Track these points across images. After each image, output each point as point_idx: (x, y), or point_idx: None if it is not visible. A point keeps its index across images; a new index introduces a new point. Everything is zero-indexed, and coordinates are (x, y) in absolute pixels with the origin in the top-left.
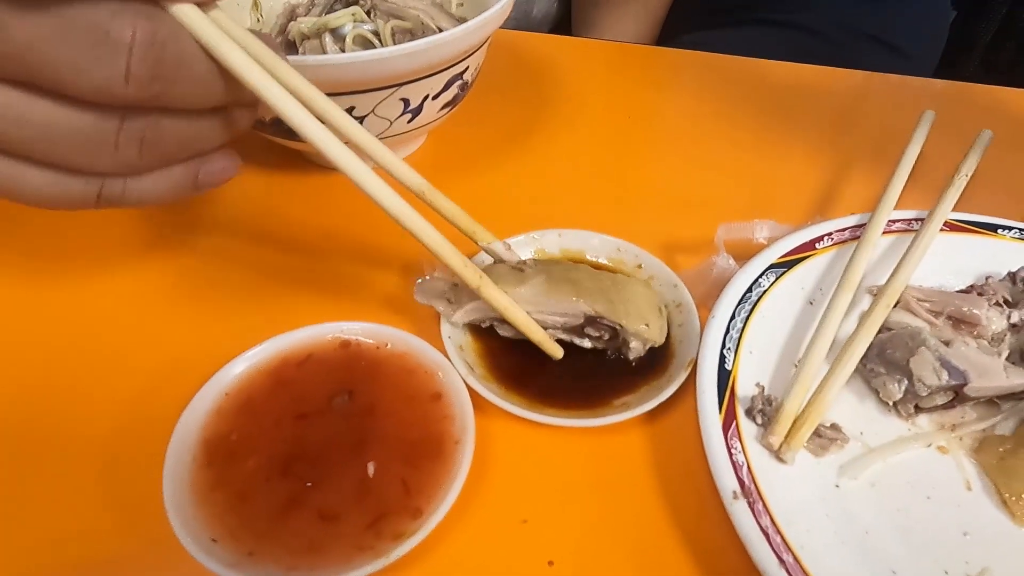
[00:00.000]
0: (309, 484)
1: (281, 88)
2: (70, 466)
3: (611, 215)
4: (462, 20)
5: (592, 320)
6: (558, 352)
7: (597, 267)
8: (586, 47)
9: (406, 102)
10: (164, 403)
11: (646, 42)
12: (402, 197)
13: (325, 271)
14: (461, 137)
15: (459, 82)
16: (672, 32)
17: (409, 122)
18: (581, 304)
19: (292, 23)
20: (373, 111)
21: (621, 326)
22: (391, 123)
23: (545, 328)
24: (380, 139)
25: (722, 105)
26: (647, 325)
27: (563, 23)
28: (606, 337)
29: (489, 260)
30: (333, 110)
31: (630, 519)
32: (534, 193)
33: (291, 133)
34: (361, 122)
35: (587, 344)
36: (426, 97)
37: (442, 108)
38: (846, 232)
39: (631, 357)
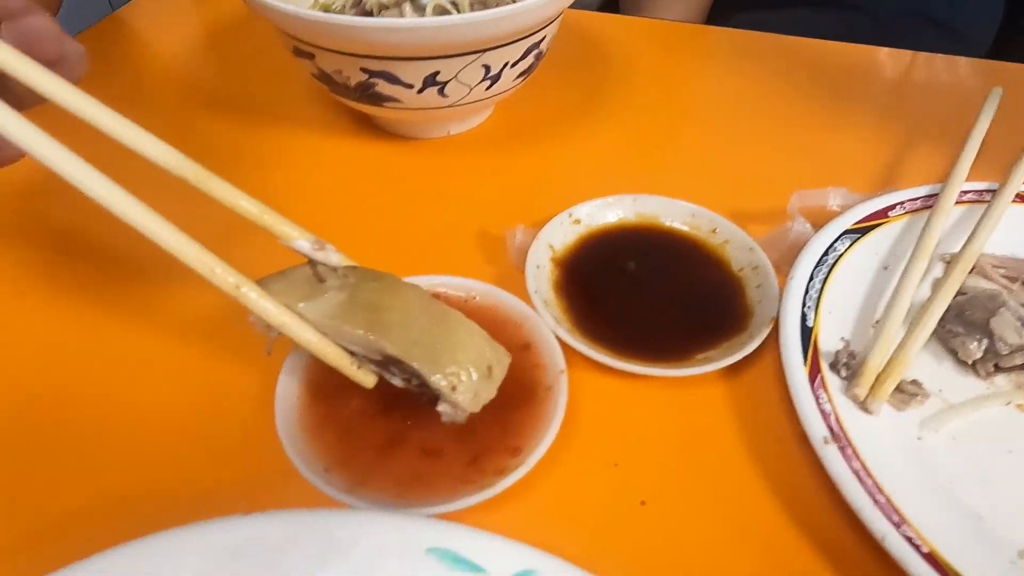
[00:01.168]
0: (409, 423)
1: None
2: (190, 403)
3: (683, 184)
4: None
5: (393, 360)
6: (367, 381)
7: (439, 297)
8: (641, 25)
9: (487, 68)
10: (266, 343)
11: (696, 22)
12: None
13: (410, 230)
14: (528, 109)
15: (536, 51)
16: (723, 11)
17: (487, 89)
18: (374, 339)
19: None
20: (456, 76)
21: (421, 376)
22: (471, 89)
23: (354, 355)
24: (459, 105)
25: (785, 85)
26: (454, 384)
27: (610, 5)
28: (415, 383)
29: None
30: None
31: (716, 464)
32: (603, 163)
33: (374, 98)
34: (443, 88)
35: (397, 382)
36: (505, 64)
37: (517, 77)
38: (918, 202)
39: (442, 419)
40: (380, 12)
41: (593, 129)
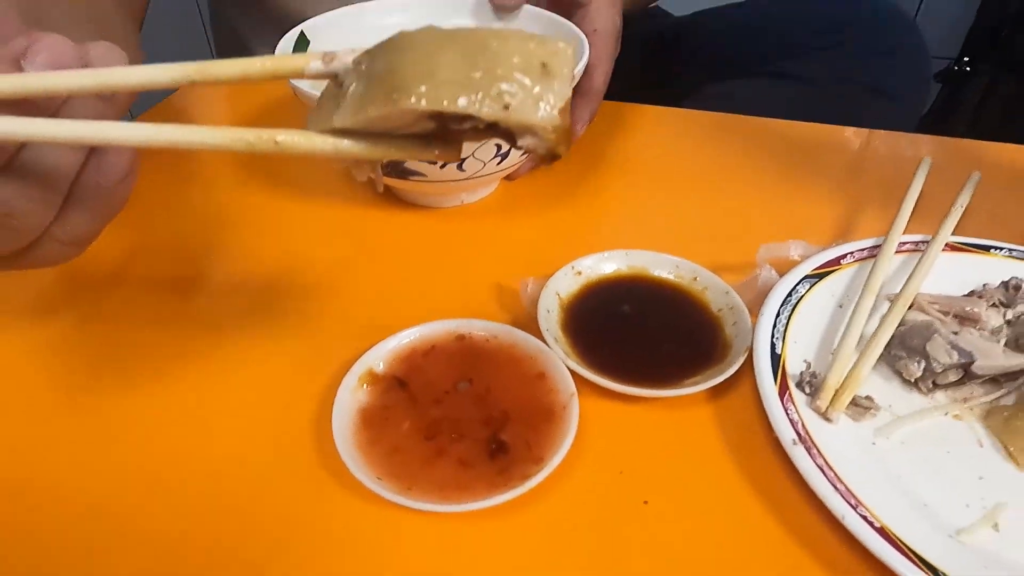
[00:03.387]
0: (451, 441)
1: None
2: (260, 439)
3: (668, 240)
4: None
5: (438, 115)
6: (452, 157)
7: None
8: (627, 109)
9: (498, 147)
10: (318, 379)
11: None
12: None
13: (433, 285)
14: (529, 180)
15: None
16: (697, 82)
17: (498, 164)
18: (399, 105)
19: None
20: (473, 154)
21: (471, 116)
22: (484, 164)
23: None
24: (474, 178)
25: (752, 156)
26: (507, 102)
27: None
28: (483, 127)
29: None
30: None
31: (705, 468)
32: (598, 223)
33: (402, 172)
34: (462, 164)
35: (473, 142)
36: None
37: (522, 154)
38: (865, 251)
39: (535, 151)
40: None
41: (588, 195)
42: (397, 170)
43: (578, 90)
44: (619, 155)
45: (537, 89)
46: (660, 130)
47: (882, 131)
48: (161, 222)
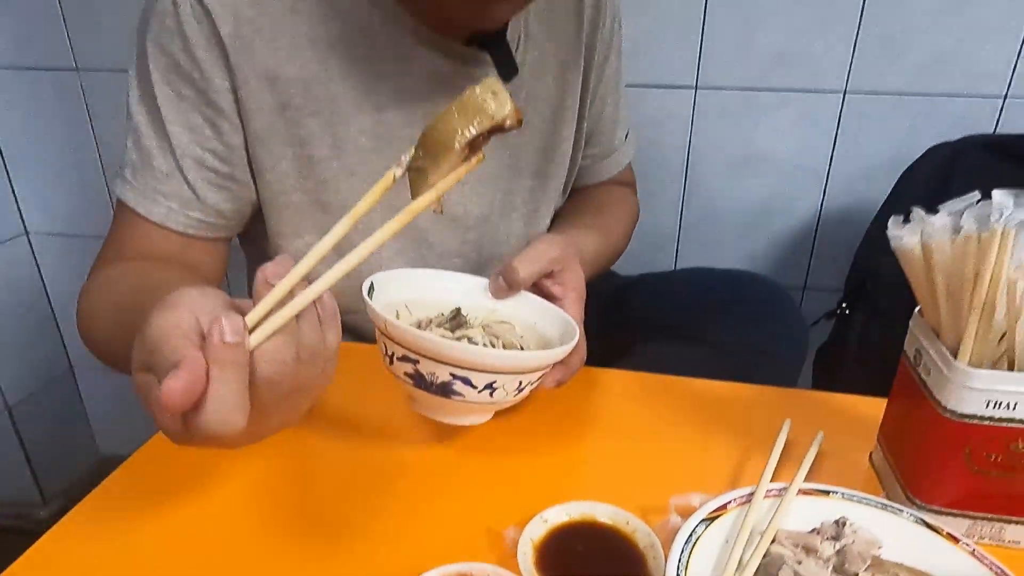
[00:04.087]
0: None
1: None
2: None
3: (609, 488)
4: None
5: (472, 139)
6: (478, 159)
7: None
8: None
9: (520, 383)
10: None
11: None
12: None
13: (434, 525)
14: (505, 431)
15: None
16: (626, 342)
17: (517, 394)
18: (455, 147)
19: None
20: (503, 385)
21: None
22: (507, 393)
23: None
24: (500, 403)
25: (669, 413)
26: (491, 114)
27: None
28: (486, 134)
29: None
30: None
31: None
32: (564, 471)
33: (448, 392)
34: (492, 392)
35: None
36: (527, 382)
37: (517, 393)
38: (744, 497)
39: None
40: (457, 328)
41: (555, 446)
42: (446, 390)
43: (563, 361)
44: (575, 412)
45: (495, 103)
46: (601, 389)
47: (767, 387)
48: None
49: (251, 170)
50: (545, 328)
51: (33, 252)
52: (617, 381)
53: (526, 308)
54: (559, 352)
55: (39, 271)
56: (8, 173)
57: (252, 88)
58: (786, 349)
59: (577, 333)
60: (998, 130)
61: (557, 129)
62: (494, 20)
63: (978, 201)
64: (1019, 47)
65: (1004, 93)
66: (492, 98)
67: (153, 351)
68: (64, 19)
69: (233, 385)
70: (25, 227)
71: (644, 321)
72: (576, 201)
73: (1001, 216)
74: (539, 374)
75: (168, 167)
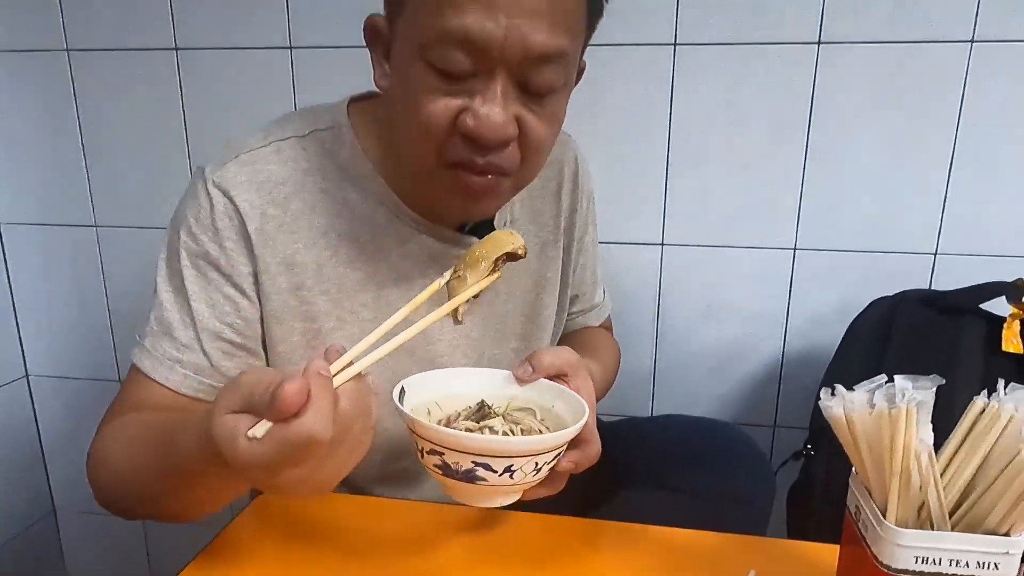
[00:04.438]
0: None
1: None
2: None
3: None
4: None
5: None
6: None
7: None
8: (554, 521)
9: (536, 463)
10: None
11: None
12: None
13: None
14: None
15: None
16: (607, 489)
17: (535, 475)
18: (491, 259)
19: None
20: (521, 467)
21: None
22: (525, 475)
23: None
24: (518, 484)
25: (642, 562)
26: (513, 245)
27: None
28: (503, 259)
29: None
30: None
31: None
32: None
33: (471, 478)
34: (512, 474)
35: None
36: (544, 463)
37: (536, 473)
38: None
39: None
40: (483, 419)
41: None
42: (468, 476)
43: (576, 442)
44: (552, 562)
45: (511, 238)
46: (583, 539)
47: (734, 536)
48: None
49: (263, 342)
50: (562, 410)
51: (31, 394)
52: (591, 530)
53: (546, 393)
54: (568, 433)
55: (34, 413)
56: (17, 317)
57: (272, 273)
58: (754, 497)
59: (586, 413)
60: (932, 285)
61: (539, 297)
62: (482, 214)
63: (886, 382)
64: (942, 208)
65: (934, 251)
66: (509, 236)
67: (253, 389)
68: (88, 180)
69: (327, 402)
70: (26, 369)
71: (625, 467)
72: (569, 340)
73: (904, 396)
74: (554, 454)
75: (188, 339)
